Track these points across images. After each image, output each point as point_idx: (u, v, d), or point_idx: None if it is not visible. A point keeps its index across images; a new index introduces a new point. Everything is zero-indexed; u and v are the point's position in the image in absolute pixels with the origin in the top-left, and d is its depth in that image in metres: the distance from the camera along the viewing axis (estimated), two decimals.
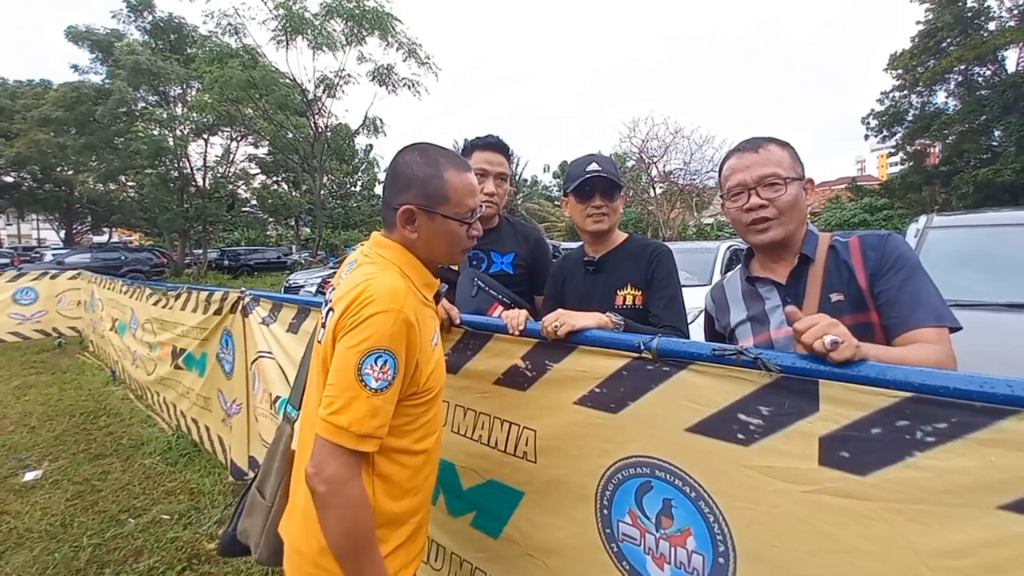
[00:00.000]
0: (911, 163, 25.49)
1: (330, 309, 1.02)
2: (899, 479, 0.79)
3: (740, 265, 1.39)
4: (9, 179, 25.38)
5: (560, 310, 1.27)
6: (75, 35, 20.68)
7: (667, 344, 1.06)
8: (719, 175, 1.32)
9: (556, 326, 1.21)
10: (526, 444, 1.36)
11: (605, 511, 1.19)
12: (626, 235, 1.64)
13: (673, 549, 1.07)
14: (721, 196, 1.32)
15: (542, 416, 1.32)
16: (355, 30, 16.18)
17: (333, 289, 1.10)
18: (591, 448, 1.21)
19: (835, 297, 1.16)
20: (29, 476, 3.35)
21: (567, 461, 1.27)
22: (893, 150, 26.82)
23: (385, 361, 0.93)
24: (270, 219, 31.96)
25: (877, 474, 0.81)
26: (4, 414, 4.64)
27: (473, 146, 1.83)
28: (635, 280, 1.52)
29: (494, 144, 1.81)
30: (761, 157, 1.21)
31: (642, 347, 1.09)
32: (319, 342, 1.05)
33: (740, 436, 0.96)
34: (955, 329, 1.06)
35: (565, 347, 1.24)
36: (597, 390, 1.19)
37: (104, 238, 33.22)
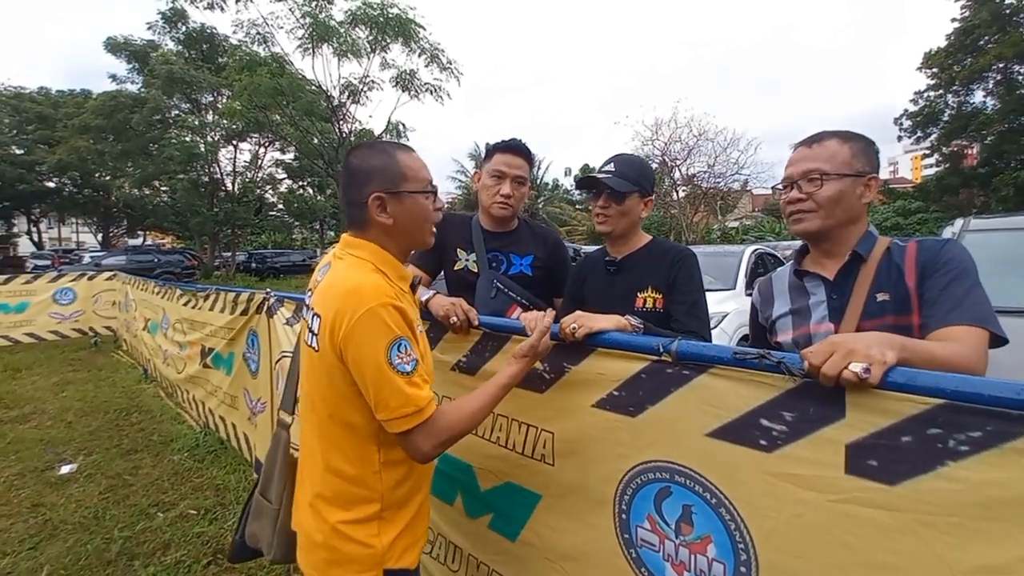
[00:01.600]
0: (947, 165, 24.63)
1: (315, 314, 1.07)
2: (931, 490, 0.76)
3: (792, 259, 1.39)
4: (51, 184, 26.54)
5: (578, 312, 1.26)
6: (114, 46, 21.51)
7: (687, 347, 1.04)
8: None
9: (574, 328, 1.21)
10: (544, 446, 1.35)
11: (623, 516, 1.18)
12: (650, 238, 1.62)
13: (693, 556, 1.05)
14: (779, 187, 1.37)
15: (560, 419, 1.31)
16: (379, 37, 16.44)
17: (311, 293, 1.16)
18: (609, 452, 1.19)
19: (881, 297, 1.14)
20: (65, 469, 3.48)
21: (585, 465, 1.25)
22: (928, 151, 25.95)
23: (404, 346, 1.02)
24: (296, 223, 32.63)
25: (907, 484, 0.78)
26: (43, 409, 4.84)
27: (495, 148, 1.83)
28: (656, 283, 1.50)
29: (514, 147, 1.81)
30: (812, 152, 1.23)
31: (661, 350, 1.07)
32: (311, 347, 1.10)
33: (763, 442, 0.93)
34: (999, 339, 1.01)
35: (583, 349, 1.23)
36: (616, 393, 1.17)
37: (139, 241, 34.38)
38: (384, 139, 18.52)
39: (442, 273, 1.97)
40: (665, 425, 1.09)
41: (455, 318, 1.50)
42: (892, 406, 0.79)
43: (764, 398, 0.93)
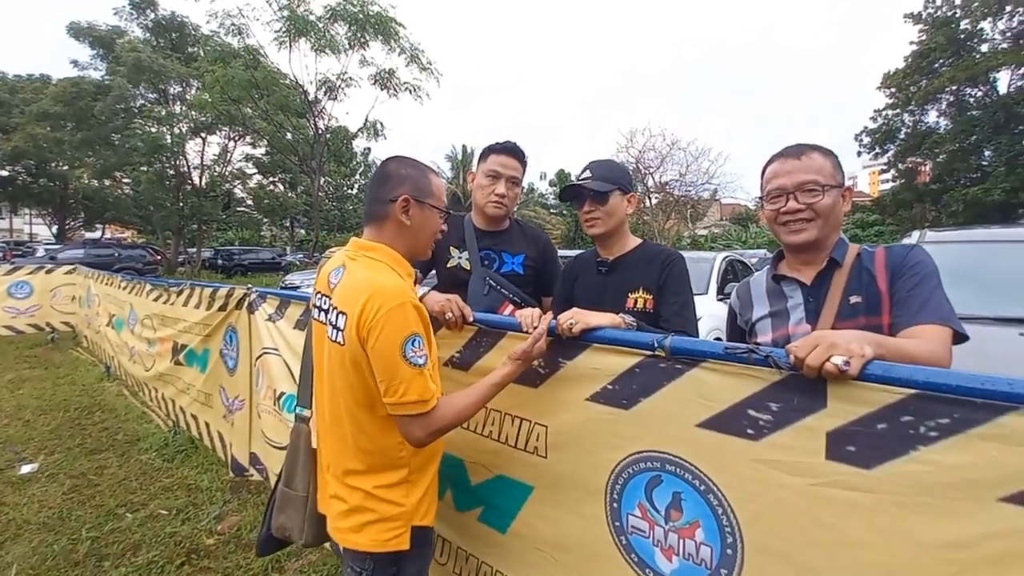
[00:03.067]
0: (902, 180, 25.90)
1: (340, 312, 1.17)
2: (903, 473, 0.83)
3: (768, 265, 1.44)
4: (4, 173, 25.18)
5: (575, 309, 1.31)
6: (77, 31, 20.63)
7: (680, 342, 1.10)
8: (761, 177, 1.38)
9: (571, 323, 1.25)
10: (537, 439, 1.39)
11: (615, 505, 1.23)
12: (640, 240, 1.68)
13: (682, 541, 1.11)
14: (760, 198, 1.38)
15: (554, 412, 1.35)
16: (358, 34, 16.25)
17: (322, 295, 1.28)
18: (602, 443, 1.24)
19: (854, 299, 1.21)
20: (25, 469, 3.34)
21: (578, 456, 1.30)
22: (885, 167, 27.28)
23: (419, 341, 1.14)
24: (265, 219, 31.87)
25: (882, 468, 0.85)
26: None
27: (490, 149, 1.88)
28: (647, 284, 1.55)
29: (509, 149, 1.86)
30: (803, 164, 1.27)
31: (655, 345, 1.13)
32: (337, 343, 1.19)
33: (749, 431, 0.99)
34: (960, 337, 1.10)
35: (578, 345, 1.28)
36: (609, 387, 1.22)
37: (97, 234, 32.92)
38: (361, 136, 18.37)
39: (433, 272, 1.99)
40: (657, 417, 1.14)
41: (450, 314, 1.53)
42: (869, 396, 0.86)
43: (752, 390, 0.99)
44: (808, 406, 0.92)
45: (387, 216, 1.27)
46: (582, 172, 1.64)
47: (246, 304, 2.95)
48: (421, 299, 1.62)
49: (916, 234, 3.72)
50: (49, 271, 8.00)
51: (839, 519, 0.89)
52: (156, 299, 4.24)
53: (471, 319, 1.53)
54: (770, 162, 1.35)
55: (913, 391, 0.82)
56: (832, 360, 0.86)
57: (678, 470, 1.11)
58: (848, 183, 1.34)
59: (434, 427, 1.17)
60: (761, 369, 0.98)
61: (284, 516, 1.39)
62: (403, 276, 1.25)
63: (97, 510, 2.85)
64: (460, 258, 1.90)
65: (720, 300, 5.43)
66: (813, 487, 0.92)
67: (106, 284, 5.91)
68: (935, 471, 0.80)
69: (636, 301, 1.54)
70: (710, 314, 4.84)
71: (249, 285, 3.04)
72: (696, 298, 1.61)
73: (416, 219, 1.28)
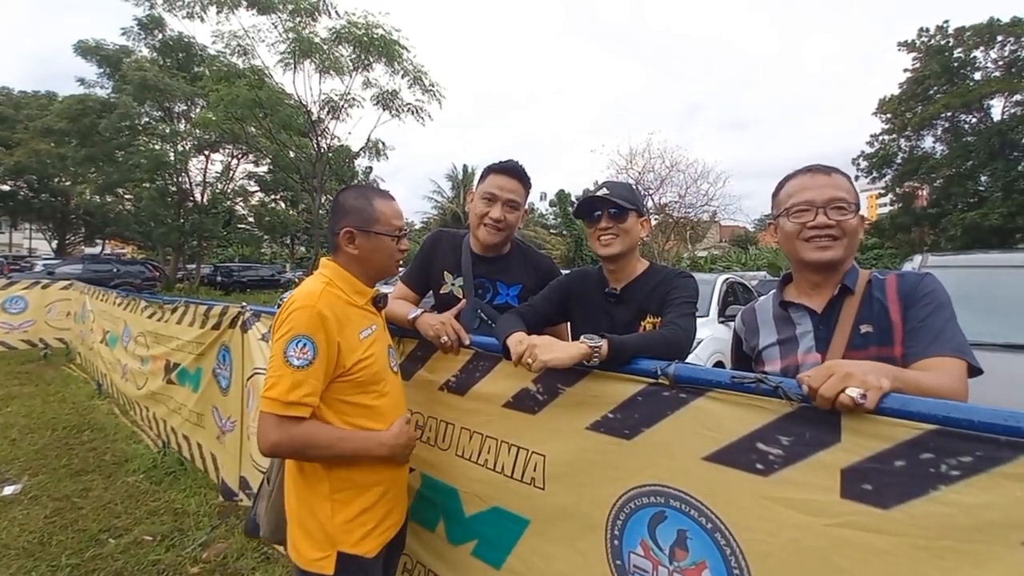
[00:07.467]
0: (900, 204, 26.12)
1: None
2: (923, 514, 0.78)
3: (775, 290, 1.39)
4: (5, 188, 25.32)
5: (531, 341, 1.20)
6: (85, 49, 20.90)
7: (684, 370, 1.06)
8: (778, 192, 1.31)
9: (528, 362, 1.16)
10: (534, 470, 1.33)
11: (616, 542, 1.17)
12: (647, 264, 1.59)
13: None
14: (774, 211, 1.33)
15: (552, 441, 1.30)
16: (362, 56, 16.51)
17: None
18: (603, 475, 1.19)
19: (864, 329, 1.17)
20: (8, 490, 3.24)
21: (577, 488, 1.24)
22: (883, 191, 27.48)
23: (304, 344, 1.17)
24: (265, 237, 31.90)
25: (901, 508, 0.80)
26: None
27: (490, 170, 1.78)
28: (655, 309, 1.47)
29: (509, 170, 1.75)
30: (833, 180, 1.23)
31: (659, 373, 1.08)
32: None
33: (759, 466, 0.94)
34: (975, 370, 1.06)
35: (578, 371, 1.23)
36: (610, 415, 1.18)
37: (96, 249, 32.94)
38: (363, 156, 18.53)
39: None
40: (660, 448, 1.09)
41: (445, 338, 1.48)
42: (886, 431, 0.82)
43: (761, 422, 0.95)
44: (821, 440, 0.88)
45: (336, 246, 1.37)
46: (597, 189, 1.56)
47: (240, 323, 2.90)
48: (414, 321, 1.58)
49: (918, 258, 3.69)
50: (45, 286, 7.94)
51: (855, 563, 0.84)
52: (150, 316, 4.18)
53: (467, 342, 1.48)
54: (790, 178, 1.30)
55: (933, 427, 0.78)
56: (847, 392, 0.82)
57: (683, 506, 1.06)
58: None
59: (284, 438, 1.15)
60: (771, 400, 0.94)
61: (260, 506, 1.46)
62: (346, 292, 1.33)
63: (79, 535, 2.75)
64: (453, 285, 1.81)
65: (722, 322, 5.37)
66: (828, 528, 0.87)
67: (101, 300, 5.85)
68: (957, 512, 0.76)
69: (646, 328, 1.46)
70: (711, 336, 4.78)
71: (244, 303, 2.99)
72: (697, 320, 1.53)
73: (363, 248, 1.35)
